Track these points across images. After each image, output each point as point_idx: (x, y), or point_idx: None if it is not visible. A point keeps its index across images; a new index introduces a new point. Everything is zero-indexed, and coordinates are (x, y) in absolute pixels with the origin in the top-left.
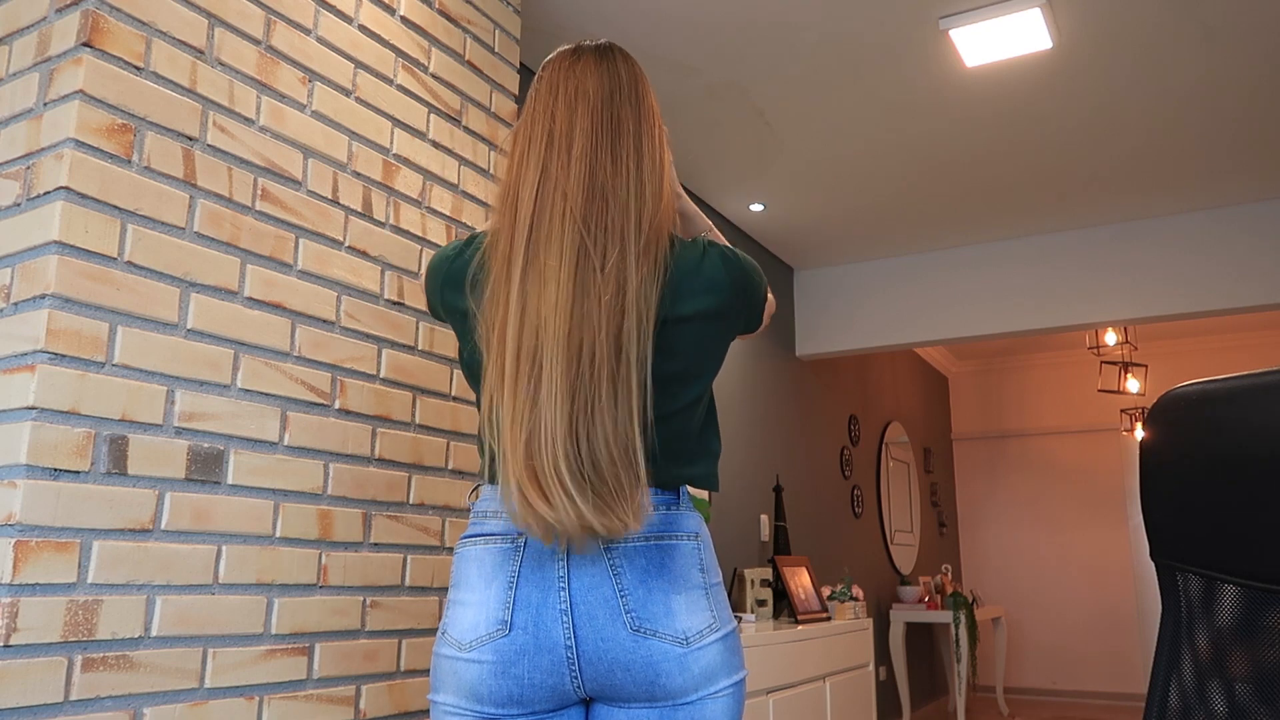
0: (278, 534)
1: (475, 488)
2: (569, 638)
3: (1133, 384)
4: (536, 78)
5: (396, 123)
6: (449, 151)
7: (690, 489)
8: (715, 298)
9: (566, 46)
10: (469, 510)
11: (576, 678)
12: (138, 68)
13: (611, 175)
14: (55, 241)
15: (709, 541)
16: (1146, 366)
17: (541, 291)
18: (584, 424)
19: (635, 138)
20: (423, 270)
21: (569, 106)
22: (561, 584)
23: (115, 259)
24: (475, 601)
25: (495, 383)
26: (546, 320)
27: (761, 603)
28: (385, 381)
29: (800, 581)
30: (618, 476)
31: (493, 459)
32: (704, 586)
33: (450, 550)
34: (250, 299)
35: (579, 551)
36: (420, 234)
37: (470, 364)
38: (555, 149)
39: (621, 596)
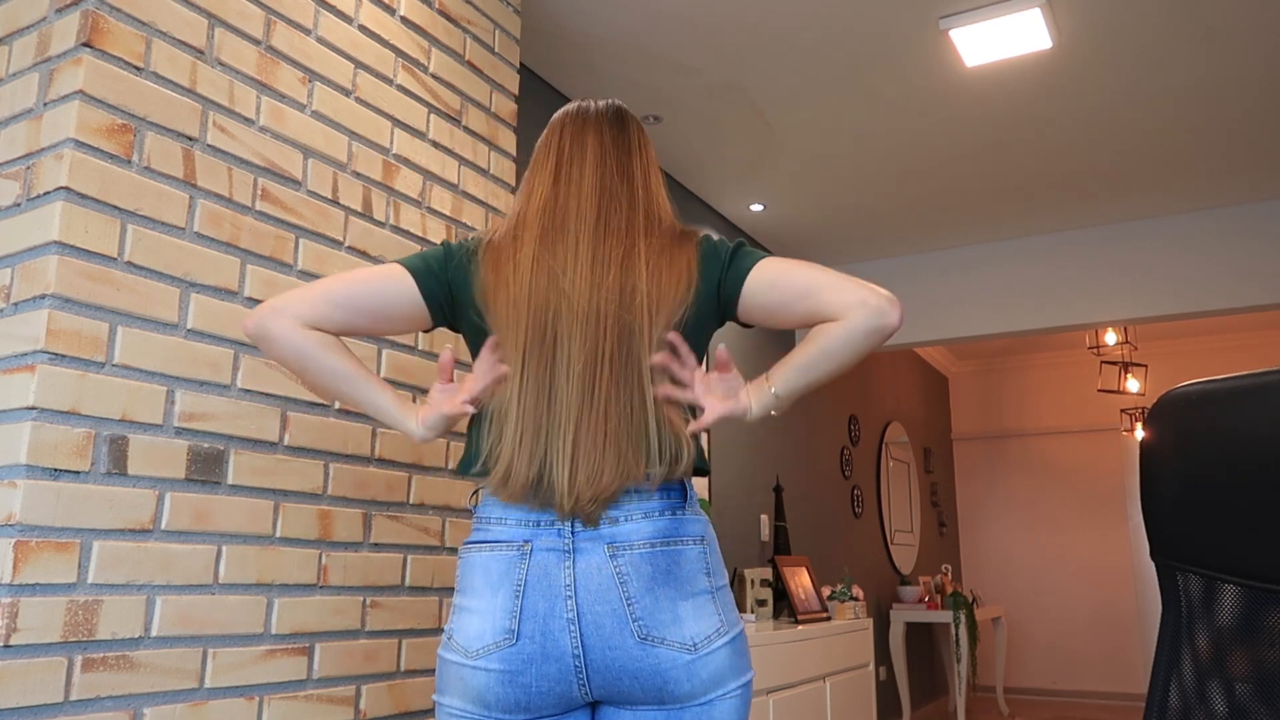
0: (278, 534)
1: (475, 491)
2: (576, 647)
3: (1133, 384)
4: (545, 134)
5: (396, 123)
6: (449, 151)
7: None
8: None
9: (574, 103)
10: (470, 512)
11: (584, 684)
12: (138, 68)
13: (620, 186)
14: (55, 241)
15: (715, 544)
16: (1146, 366)
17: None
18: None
19: (644, 175)
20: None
21: (579, 145)
22: (568, 593)
23: (115, 259)
24: (481, 609)
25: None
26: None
27: (761, 603)
28: (386, 381)
29: (800, 581)
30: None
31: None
32: (710, 591)
33: (451, 550)
34: (250, 299)
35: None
36: (420, 234)
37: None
38: (567, 170)
39: (628, 605)
